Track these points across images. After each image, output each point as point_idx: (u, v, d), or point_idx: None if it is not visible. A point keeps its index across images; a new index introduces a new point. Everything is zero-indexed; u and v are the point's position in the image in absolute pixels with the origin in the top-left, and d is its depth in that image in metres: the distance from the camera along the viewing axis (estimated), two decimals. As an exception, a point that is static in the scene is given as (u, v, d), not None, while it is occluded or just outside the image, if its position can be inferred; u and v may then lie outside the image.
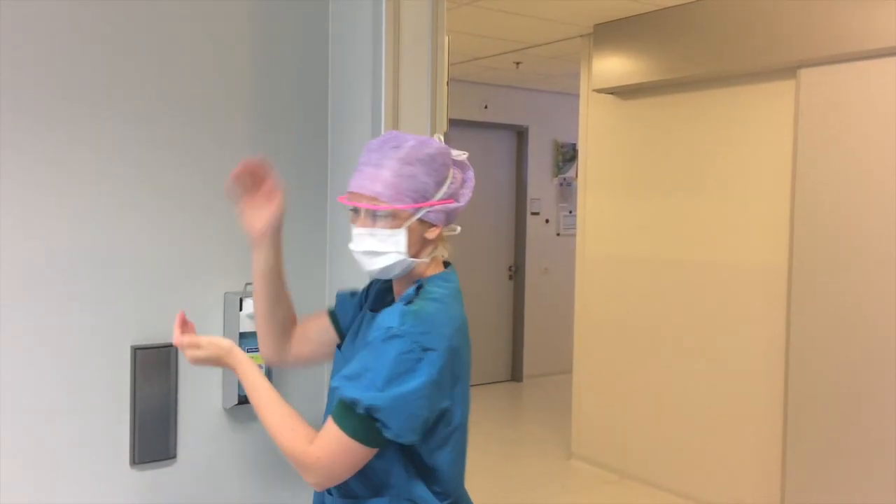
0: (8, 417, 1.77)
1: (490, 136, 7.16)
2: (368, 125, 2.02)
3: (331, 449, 1.38)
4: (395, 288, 1.58)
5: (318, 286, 2.18)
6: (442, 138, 1.61)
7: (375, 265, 1.47)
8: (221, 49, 2.02)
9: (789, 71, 3.87)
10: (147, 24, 1.90)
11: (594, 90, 4.90)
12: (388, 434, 1.37)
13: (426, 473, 1.48)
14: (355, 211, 1.49)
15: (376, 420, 1.36)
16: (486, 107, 6.97)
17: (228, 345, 1.54)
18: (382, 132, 1.98)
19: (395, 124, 1.99)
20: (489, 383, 7.23)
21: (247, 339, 1.97)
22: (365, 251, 1.47)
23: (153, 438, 1.91)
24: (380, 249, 1.46)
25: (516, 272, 7.40)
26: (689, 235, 4.43)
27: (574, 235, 5.27)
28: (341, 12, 2.14)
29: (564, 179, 7.56)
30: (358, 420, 1.36)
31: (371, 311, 1.60)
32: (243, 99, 2.05)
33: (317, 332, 1.70)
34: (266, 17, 2.08)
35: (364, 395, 1.35)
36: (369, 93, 2.02)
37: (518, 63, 6.03)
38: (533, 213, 7.38)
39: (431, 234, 1.50)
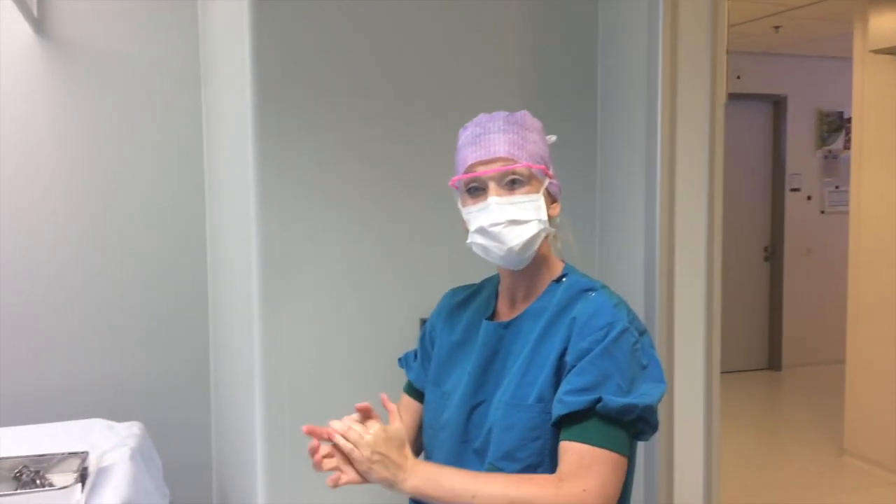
0: (314, 376, 1.97)
1: (743, 108, 6.71)
2: (643, 101, 1.97)
3: (598, 472, 1.22)
4: (515, 285, 1.42)
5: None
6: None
7: (517, 238, 1.31)
8: (495, 50, 2.08)
9: None
10: (427, 29, 2.02)
11: (871, 51, 4.40)
12: (648, 435, 1.28)
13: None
14: (476, 189, 1.35)
15: (641, 422, 1.26)
16: (738, 77, 6.55)
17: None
18: (658, 105, 1.92)
19: (673, 93, 1.91)
20: (743, 371, 6.83)
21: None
22: (508, 220, 1.31)
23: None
24: (522, 217, 1.31)
25: (773, 253, 6.90)
26: None
27: (843, 213, 4.83)
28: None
29: (830, 152, 6.90)
30: (618, 428, 1.24)
31: (488, 319, 1.45)
32: (514, 91, 2.09)
33: (417, 420, 1.56)
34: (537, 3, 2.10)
35: (638, 399, 1.25)
36: (644, 72, 1.97)
37: (777, 27, 5.59)
38: (792, 190, 6.82)
39: (554, 210, 1.38)
